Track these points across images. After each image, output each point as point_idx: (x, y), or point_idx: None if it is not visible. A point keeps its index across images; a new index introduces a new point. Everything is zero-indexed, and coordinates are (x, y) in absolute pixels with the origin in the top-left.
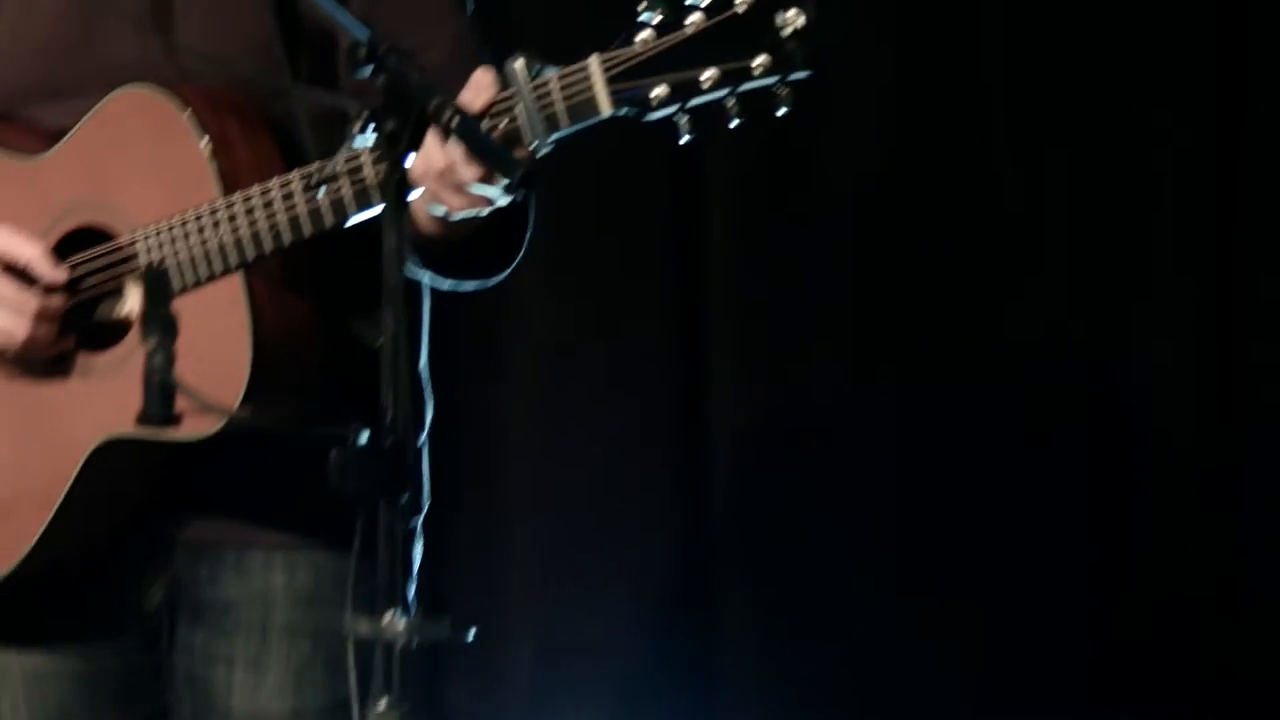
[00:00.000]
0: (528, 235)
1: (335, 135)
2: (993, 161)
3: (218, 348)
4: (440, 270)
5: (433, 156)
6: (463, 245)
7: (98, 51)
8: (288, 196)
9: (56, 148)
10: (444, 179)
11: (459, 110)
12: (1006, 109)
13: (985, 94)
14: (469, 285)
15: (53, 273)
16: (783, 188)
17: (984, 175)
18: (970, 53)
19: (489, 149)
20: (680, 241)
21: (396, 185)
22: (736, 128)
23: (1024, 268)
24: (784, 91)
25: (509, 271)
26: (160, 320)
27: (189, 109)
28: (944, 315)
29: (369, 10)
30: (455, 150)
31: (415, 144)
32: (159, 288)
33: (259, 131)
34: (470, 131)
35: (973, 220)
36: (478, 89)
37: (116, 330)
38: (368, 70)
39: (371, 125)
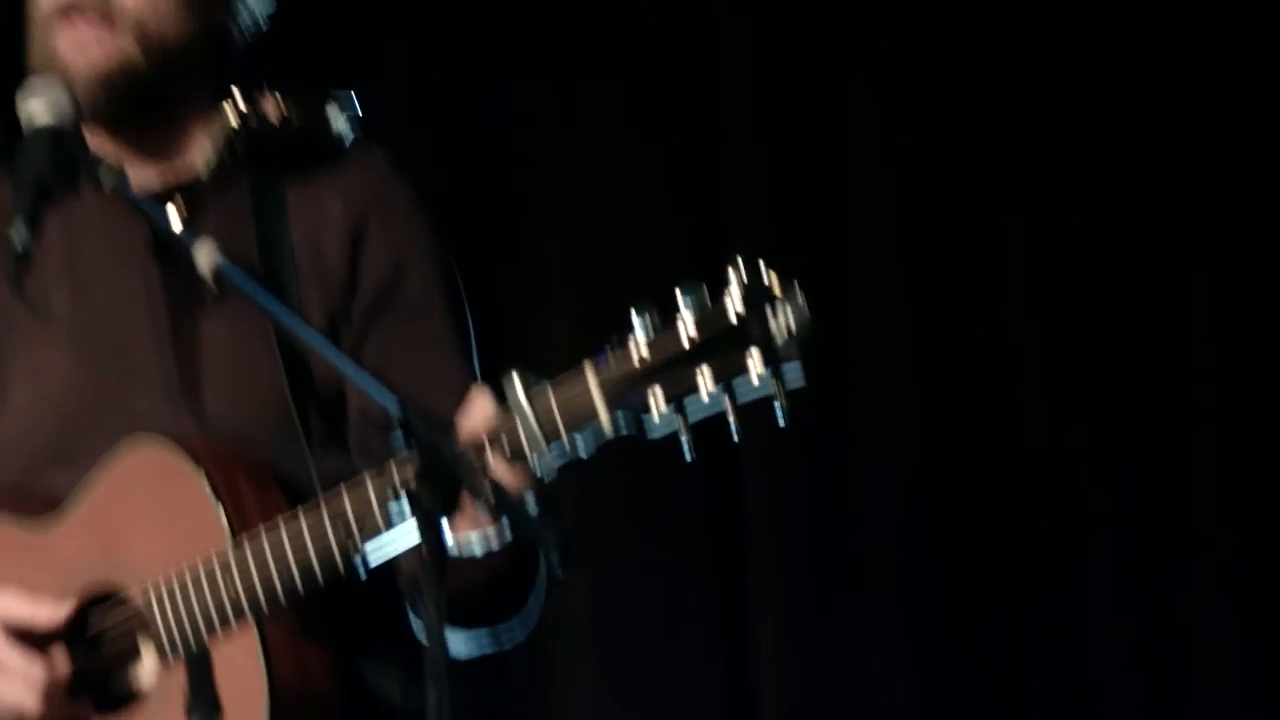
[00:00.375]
0: (538, 580)
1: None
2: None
3: (235, 703)
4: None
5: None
6: (474, 590)
7: (115, 419)
8: (296, 537)
9: (69, 513)
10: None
11: (495, 483)
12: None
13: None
14: (481, 637)
15: (52, 615)
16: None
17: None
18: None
19: (525, 521)
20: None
21: (435, 552)
22: (739, 445)
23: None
24: (783, 403)
25: (521, 622)
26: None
27: (198, 464)
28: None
29: (381, 363)
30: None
31: (449, 511)
32: (201, 672)
33: (269, 486)
34: (507, 504)
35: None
36: (477, 408)
37: (132, 691)
38: (400, 439)
39: (407, 497)
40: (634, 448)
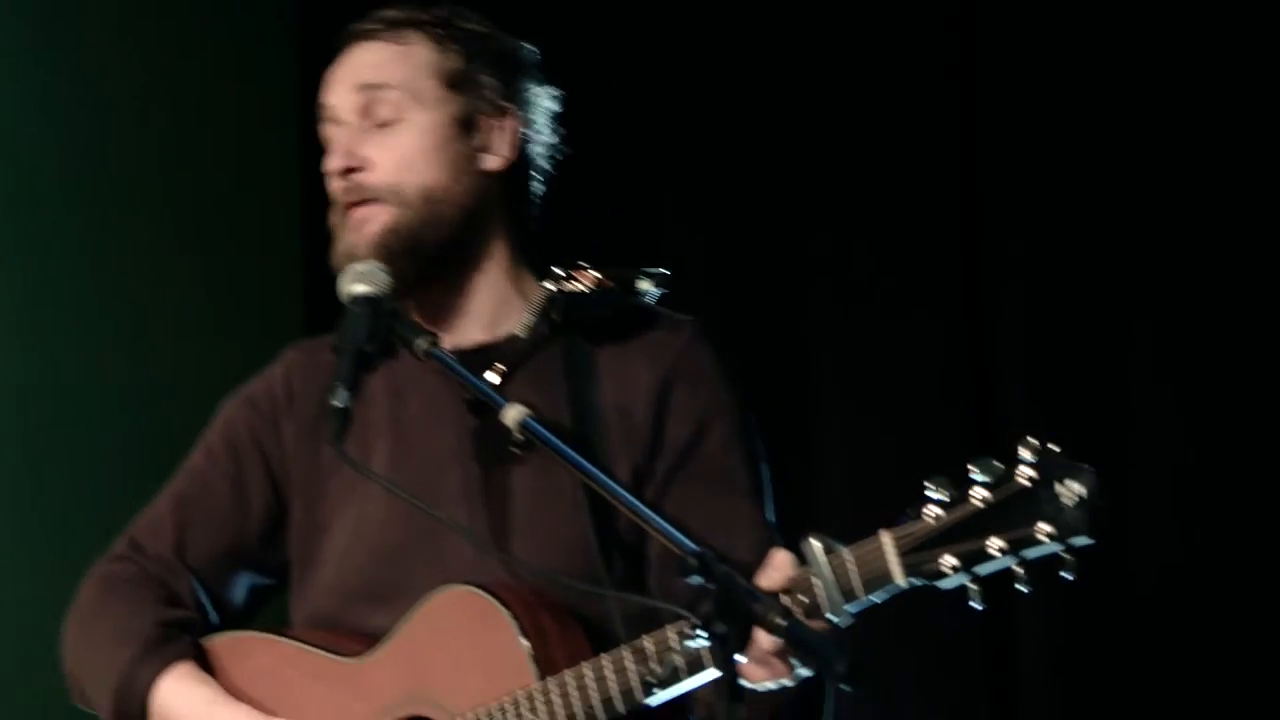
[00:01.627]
0: (825, 712)
1: (643, 632)
2: None
3: None
4: None
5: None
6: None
7: (426, 563)
8: (599, 677)
9: (381, 647)
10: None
11: (786, 612)
12: None
13: None
14: None
15: None
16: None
17: None
18: None
19: (815, 647)
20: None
21: (729, 685)
22: (1028, 593)
23: None
24: (1069, 558)
25: None
26: None
27: (507, 606)
28: None
29: (682, 514)
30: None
31: (743, 646)
32: None
33: (571, 626)
34: (795, 631)
35: None
36: (777, 567)
37: None
38: (699, 579)
39: (702, 632)
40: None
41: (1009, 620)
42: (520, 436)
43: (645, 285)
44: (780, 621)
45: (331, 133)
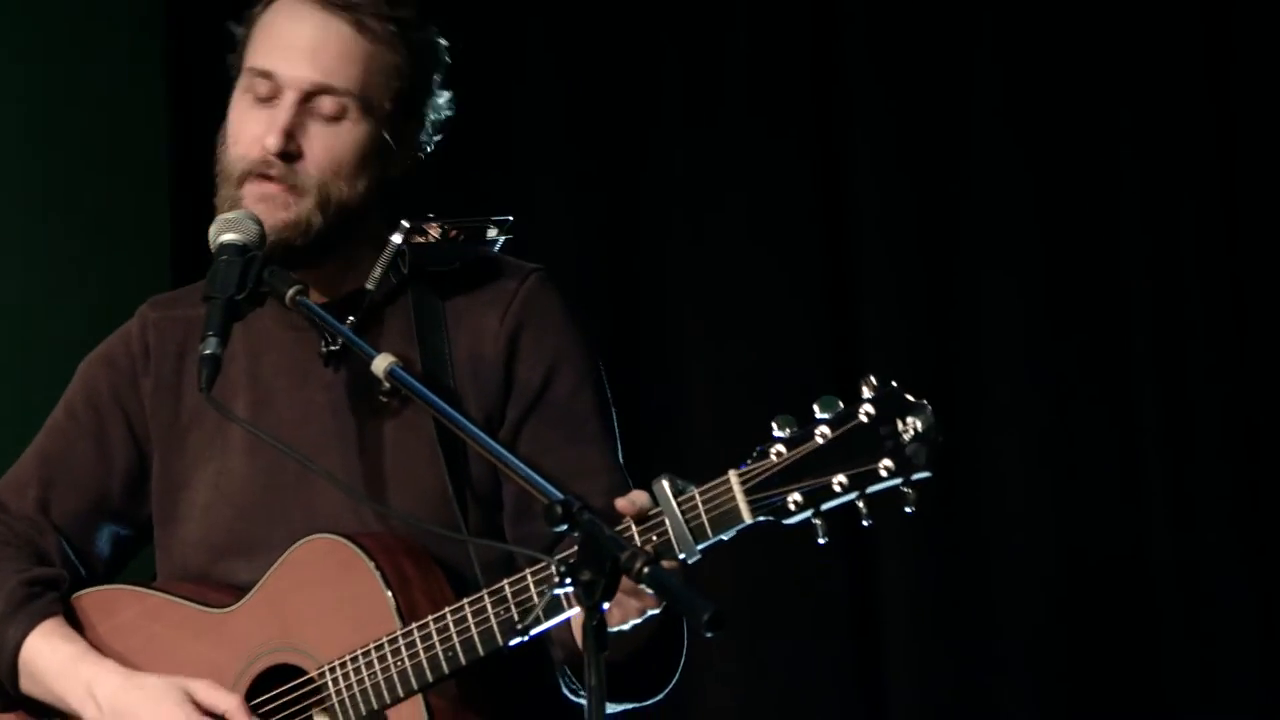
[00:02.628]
0: (683, 658)
1: (501, 578)
2: None
3: None
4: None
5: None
6: (623, 666)
7: (295, 515)
8: (460, 622)
9: (248, 597)
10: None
11: (650, 559)
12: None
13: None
14: (620, 708)
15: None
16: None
17: None
18: None
19: (679, 594)
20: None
21: (595, 631)
22: (870, 527)
23: None
24: (910, 492)
25: (662, 696)
26: None
27: (369, 554)
28: None
29: (533, 459)
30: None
31: (610, 593)
32: None
33: (434, 572)
34: (660, 579)
35: None
36: (631, 503)
37: None
38: (563, 527)
39: (568, 577)
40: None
41: (873, 583)
42: (388, 385)
43: (493, 233)
44: (646, 570)
45: (260, 90)
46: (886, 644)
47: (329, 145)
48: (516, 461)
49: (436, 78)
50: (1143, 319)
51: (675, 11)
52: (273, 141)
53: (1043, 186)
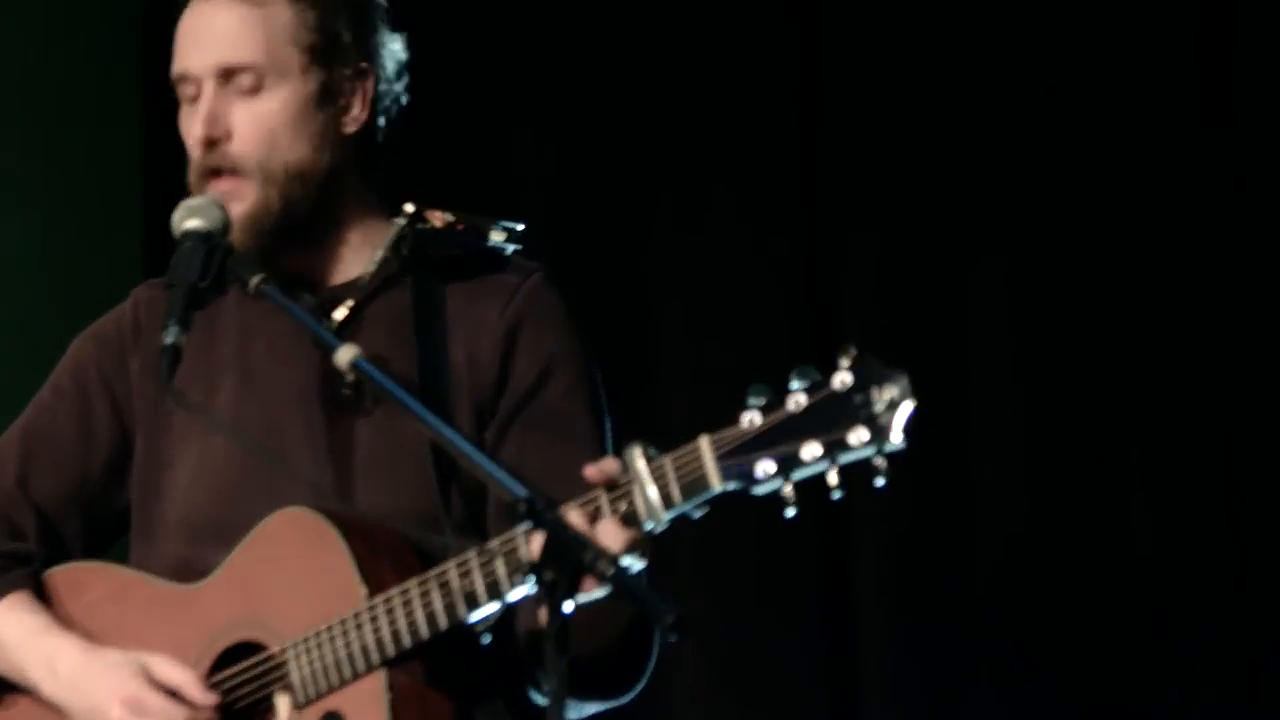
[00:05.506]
0: (652, 658)
1: None
2: None
3: None
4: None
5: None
6: (591, 663)
7: (268, 504)
8: (425, 594)
9: (217, 571)
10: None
11: (614, 560)
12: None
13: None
14: (591, 708)
15: (202, 697)
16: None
17: None
18: None
19: (641, 595)
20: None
21: (558, 631)
22: (840, 500)
23: None
24: (882, 463)
25: (633, 694)
26: None
27: (339, 526)
28: None
29: (523, 458)
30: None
31: (572, 592)
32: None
33: (406, 555)
34: (623, 581)
35: None
36: (601, 468)
37: None
38: (527, 524)
39: (532, 576)
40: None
41: (846, 576)
42: (351, 377)
43: (499, 237)
44: (608, 570)
45: (187, 93)
46: (859, 637)
47: (254, 118)
48: (482, 457)
49: (361, 20)
50: (1129, 314)
51: (661, 12)
52: (197, 131)
53: (1032, 179)
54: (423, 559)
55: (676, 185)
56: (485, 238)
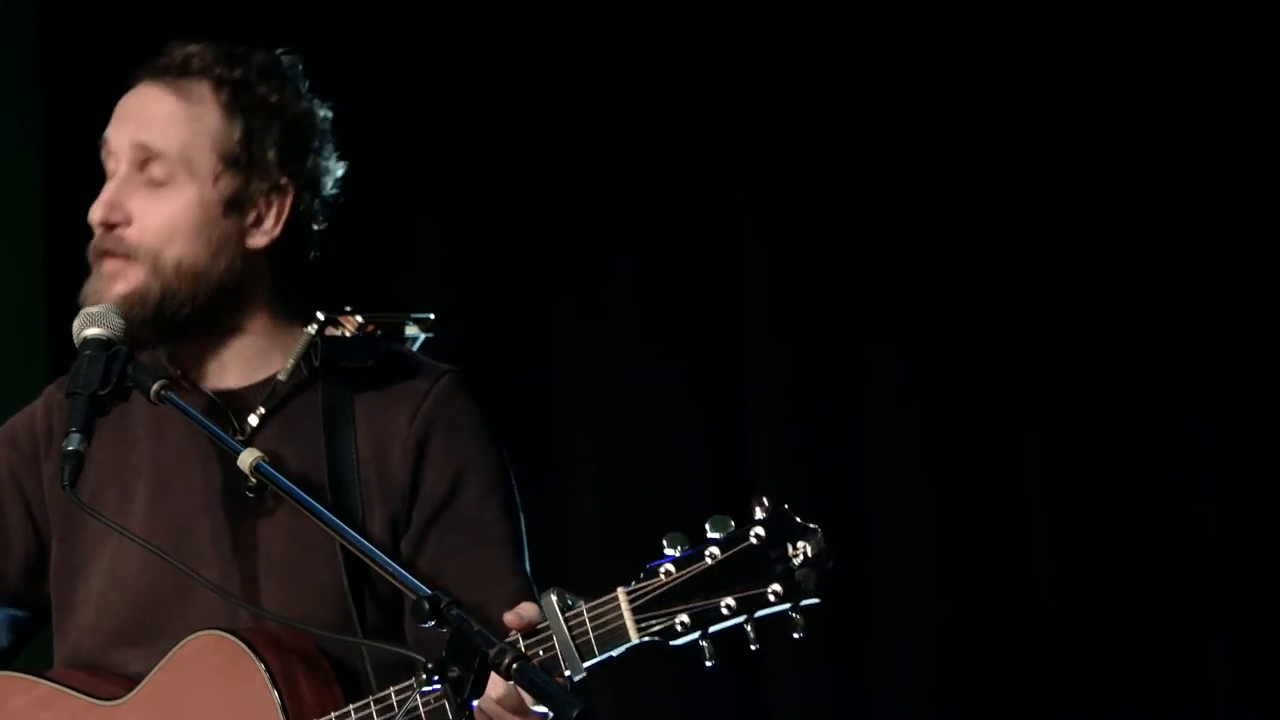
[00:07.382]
0: None
1: (397, 679)
2: None
3: None
4: None
5: (499, 695)
6: None
7: (179, 607)
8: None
9: (136, 691)
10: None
11: (519, 656)
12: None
13: None
14: None
15: None
16: None
17: None
18: None
19: (547, 690)
20: None
21: None
22: (756, 651)
23: None
24: (798, 617)
25: None
26: None
27: (258, 653)
28: None
29: (438, 565)
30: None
31: (479, 689)
32: None
33: (324, 673)
34: (528, 675)
35: None
36: (521, 614)
37: None
38: (431, 623)
39: (435, 676)
40: None
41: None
42: (254, 480)
43: (412, 330)
44: (514, 666)
45: (108, 168)
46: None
47: (157, 209)
48: (385, 558)
49: (293, 138)
50: (1028, 397)
51: (559, 84)
52: (95, 214)
53: (926, 257)
54: (335, 666)
55: (576, 284)
56: (399, 334)
